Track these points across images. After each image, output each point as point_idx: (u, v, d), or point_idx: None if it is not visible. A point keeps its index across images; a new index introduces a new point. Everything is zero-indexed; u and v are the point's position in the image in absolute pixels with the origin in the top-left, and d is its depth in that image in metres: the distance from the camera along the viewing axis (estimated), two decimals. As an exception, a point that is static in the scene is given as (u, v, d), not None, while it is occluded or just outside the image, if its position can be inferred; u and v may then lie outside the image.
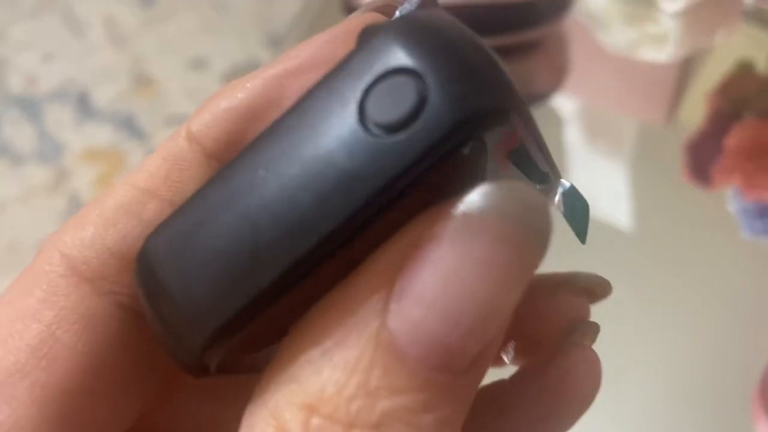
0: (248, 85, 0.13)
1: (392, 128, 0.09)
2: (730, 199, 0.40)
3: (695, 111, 0.43)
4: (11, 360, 0.12)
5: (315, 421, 0.09)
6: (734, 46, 0.45)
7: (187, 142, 0.13)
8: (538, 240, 0.09)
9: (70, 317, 0.12)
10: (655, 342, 0.41)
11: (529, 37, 0.43)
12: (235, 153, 0.11)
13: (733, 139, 0.40)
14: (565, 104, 0.46)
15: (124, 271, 0.12)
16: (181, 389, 0.15)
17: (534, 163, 0.11)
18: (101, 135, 1.01)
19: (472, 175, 0.10)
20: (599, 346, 0.14)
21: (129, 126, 1.01)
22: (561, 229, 0.11)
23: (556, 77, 0.45)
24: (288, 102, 0.11)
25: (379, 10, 0.12)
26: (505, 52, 0.43)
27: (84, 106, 1.04)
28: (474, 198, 0.09)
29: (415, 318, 0.09)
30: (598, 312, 0.15)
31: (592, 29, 0.42)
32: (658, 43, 0.38)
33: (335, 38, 0.12)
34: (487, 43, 0.10)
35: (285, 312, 0.10)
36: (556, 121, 0.45)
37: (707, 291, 0.41)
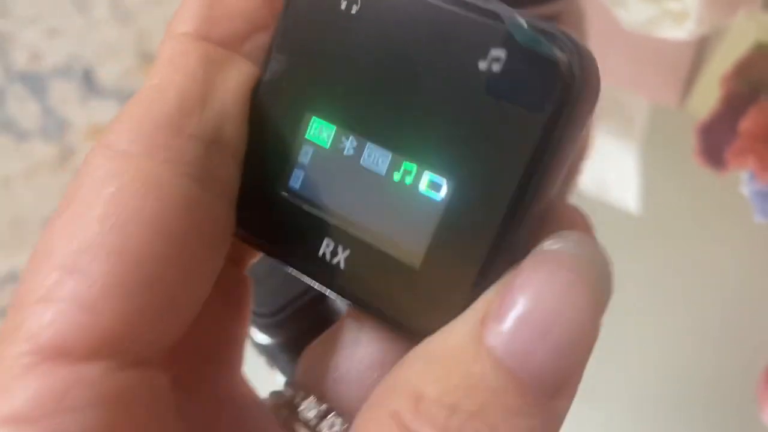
0: None
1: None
2: (743, 182, 0.39)
3: (709, 93, 0.42)
4: (84, 234, 0.12)
5: (423, 405, 0.11)
6: (750, 28, 0.44)
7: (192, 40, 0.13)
8: (604, 275, 0.11)
9: (131, 185, 0.12)
10: (665, 324, 0.40)
11: (545, 12, 0.42)
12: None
13: (748, 122, 0.39)
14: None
15: (184, 140, 0.13)
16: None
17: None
18: (106, 112, 1.00)
19: None
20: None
21: (134, 103, 1.01)
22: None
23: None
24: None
25: None
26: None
27: (89, 83, 1.03)
28: (550, 243, 0.11)
29: (510, 332, 0.11)
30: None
31: (610, 5, 0.41)
32: (678, 20, 0.38)
33: None
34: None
35: None
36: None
37: (718, 275, 0.41)
